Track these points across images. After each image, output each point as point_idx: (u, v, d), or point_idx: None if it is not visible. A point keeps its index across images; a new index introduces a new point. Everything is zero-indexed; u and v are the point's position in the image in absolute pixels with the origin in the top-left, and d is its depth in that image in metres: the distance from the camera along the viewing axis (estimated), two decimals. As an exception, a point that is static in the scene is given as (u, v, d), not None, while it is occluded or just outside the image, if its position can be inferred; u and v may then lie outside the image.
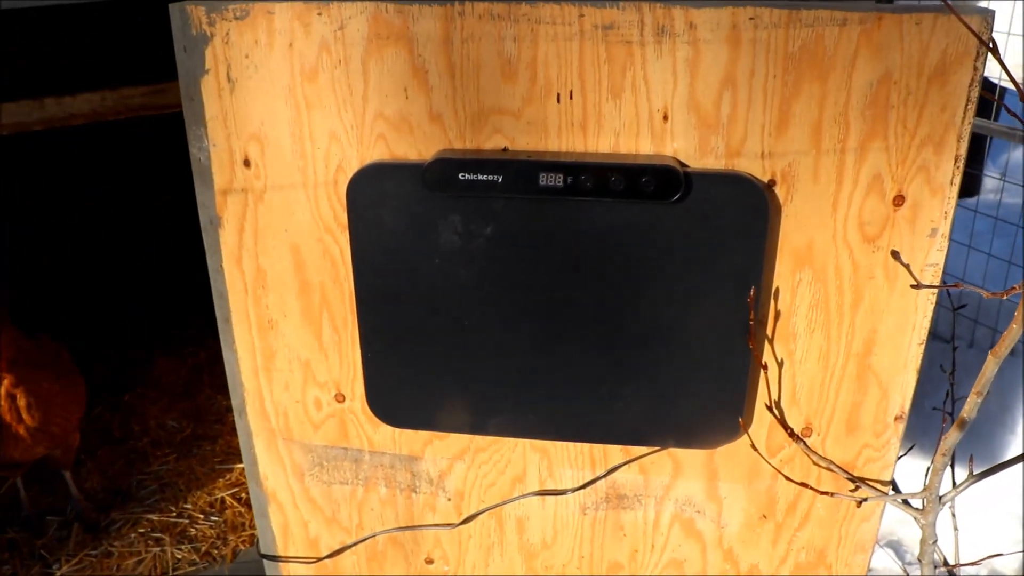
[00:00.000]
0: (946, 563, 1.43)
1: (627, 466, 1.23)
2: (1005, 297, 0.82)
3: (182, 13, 1.08)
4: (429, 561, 1.37)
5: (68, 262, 2.71)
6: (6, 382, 1.74)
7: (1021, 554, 2.20)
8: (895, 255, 0.97)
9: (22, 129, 1.80)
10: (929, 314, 1.08)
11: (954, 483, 1.54)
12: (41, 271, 2.64)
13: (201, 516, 1.98)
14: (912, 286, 0.99)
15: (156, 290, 2.64)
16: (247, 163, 1.14)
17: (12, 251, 2.57)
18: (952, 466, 1.40)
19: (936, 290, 1.06)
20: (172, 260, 1.57)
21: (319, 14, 1.04)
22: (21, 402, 1.75)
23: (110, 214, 2.77)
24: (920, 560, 1.28)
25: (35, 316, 2.16)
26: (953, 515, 1.69)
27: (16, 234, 2.67)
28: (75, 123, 1.83)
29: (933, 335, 2.97)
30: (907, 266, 0.98)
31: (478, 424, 1.19)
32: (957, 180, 1.01)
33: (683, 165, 1.02)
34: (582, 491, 1.26)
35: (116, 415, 2.33)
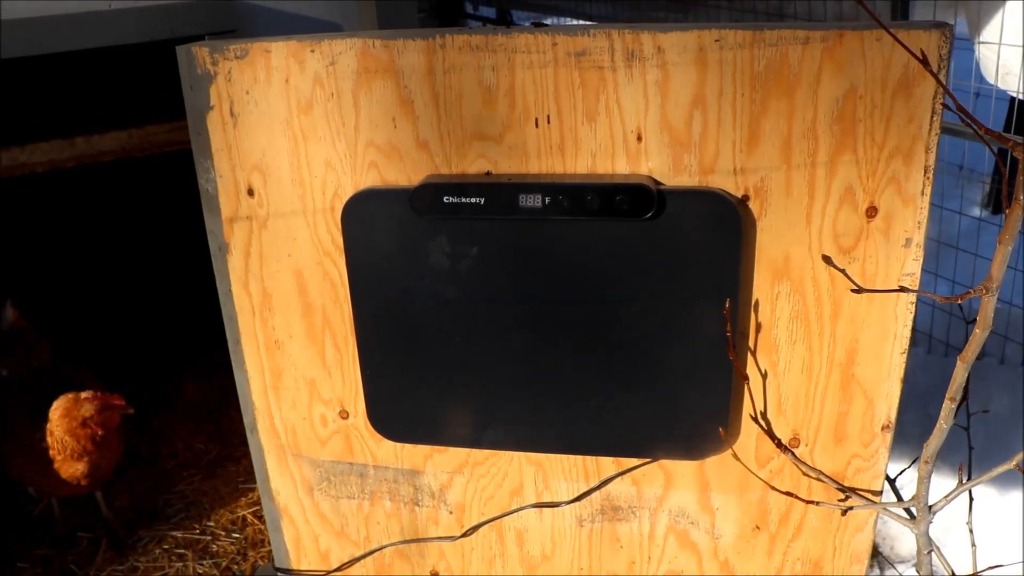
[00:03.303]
0: (953, 575, 1.43)
1: (620, 478, 1.26)
2: (959, 302, 0.84)
3: (188, 54, 1.16)
4: (435, 573, 1.40)
5: (101, 290, 2.82)
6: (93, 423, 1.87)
7: (1021, 565, 2.16)
8: (827, 260, 0.99)
9: (55, 166, 1.91)
10: (909, 323, 1.09)
11: (970, 499, 1.53)
12: (74, 298, 2.75)
13: (223, 533, 2.05)
14: (853, 290, 1.01)
15: (184, 317, 2.73)
16: (251, 192, 1.20)
17: (44, 278, 2.69)
18: (970, 477, 1.39)
19: (914, 300, 1.08)
20: (199, 288, 1.65)
21: (312, 51, 1.10)
22: (95, 443, 1.89)
23: (141, 242, 2.89)
24: (918, 571, 1.29)
25: (66, 342, 2.25)
26: (971, 531, 1.68)
27: (49, 261, 2.79)
28: (105, 159, 1.94)
29: (958, 351, 2.94)
30: (843, 271, 1.00)
31: (473, 437, 1.23)
32: (928, 190, 1.03)
33: (657, 183, 1.06)
34: (578, 503, 1.29)
35: (145, 438, 2.42)
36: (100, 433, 1.87)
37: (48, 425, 1.86)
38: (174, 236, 2.53)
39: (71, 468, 1.88)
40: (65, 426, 1.85)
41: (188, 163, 1.23)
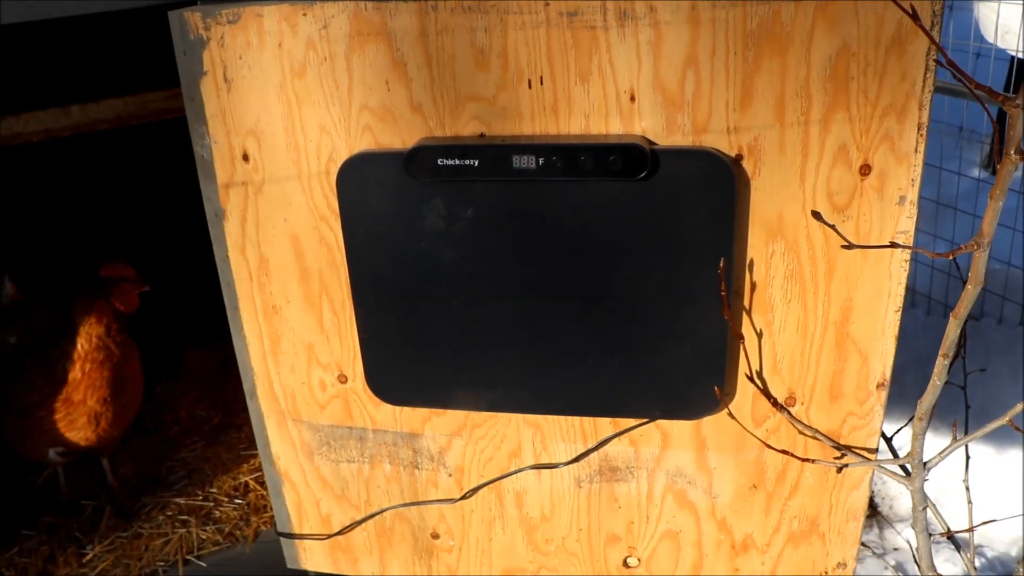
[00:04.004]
0: (949, 531, 1.44)
1: (618, 439, 1.27)
2: (950, 258, 0.84)
3: (180, 19, 1.15)
4: (435, 536, 1.42)
5: (99, 260, 2.82)
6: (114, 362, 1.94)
7: (1021, 520, 2.18)
8: (816, 215, 1.00)
9: (51, 135, 1.91)
10: (903, 281, 1.10)
11: (967, 457, 1.54)
12: (72, 269, 2.75)
13: (226, 499, 2.08)
14: (843, 247, 1.01)
15: (188, 285, 2.74)
16: (246, 157, 1.20)
17: (42, 249, 2.69)
18: (966, 434, 1.40)
19: (908, 258, 1.08)
20: (198, 255, 1.66)
21: (304, 15, 1.10)
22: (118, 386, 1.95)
23: (139, 210, 2.88)
24: (913, 527, 1.30)
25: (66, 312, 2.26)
26: (967, 488, 1.70)
27: (46, 232, 2.78)
28: (101, 128, 1.94)
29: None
30: (832, 226, 1.00)
31: (471, 400, 1.25)
32: (922, 148, 1.03)
33: (651, 143, 1.06)
34: (576, 464, 1.30)
35: (148, 406, 2.44)
36: (124, 311, 1.95)
37: (79, 326, 1.91)
38: (172, 204, 2.53)
39: (96, 383, 1.91)
40: (91, 312, 1.91)
41: (185, 130, 1.22)
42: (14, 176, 2.55)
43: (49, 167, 2.66)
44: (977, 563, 2.26)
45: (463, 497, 1.36)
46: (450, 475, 1.36)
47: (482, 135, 1.11)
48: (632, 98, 1.05)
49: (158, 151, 2.54)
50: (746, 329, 1.16)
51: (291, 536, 1.49)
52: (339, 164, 1.15)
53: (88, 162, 2.71)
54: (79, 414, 1.91)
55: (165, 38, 1.18)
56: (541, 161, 1.05)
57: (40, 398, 1.92)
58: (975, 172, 3.43)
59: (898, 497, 2.60)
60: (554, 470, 1.31)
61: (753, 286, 1.13)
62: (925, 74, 0.99)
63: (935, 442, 2.25)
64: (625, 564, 1.37)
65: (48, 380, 1.92)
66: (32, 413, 1.93)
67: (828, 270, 1.10)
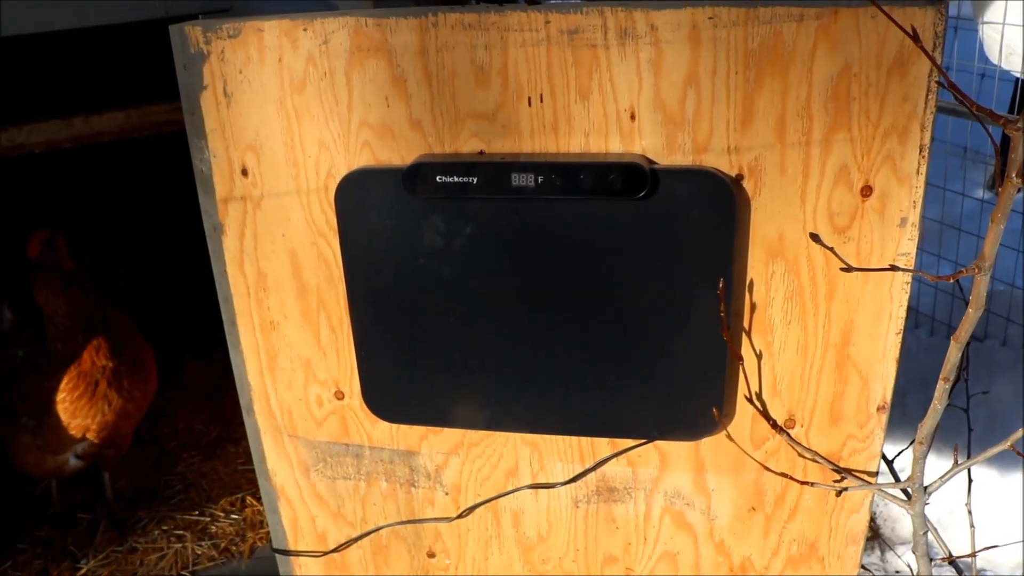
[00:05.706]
0: (951, 555, 1.43)
1: (616, 459, 1.26)
2: (951, 281, 0.83)
3: (181, 33, 1.15)
4: (431, 555, 1.41)
5: (98, 271, 2.83)
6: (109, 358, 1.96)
7: (1021, 546, 2.16)
8: (814, 237, 0.99)
9: (53, 147, 1.91)
10: (904, 303, 1.09)
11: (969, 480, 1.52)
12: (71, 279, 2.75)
13: (222, 514, 2.07)
14: (842, 269, 1.01)
15: (187, 296, 2.74)
16: (245, 172, 1.20)
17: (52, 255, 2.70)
18: (969, 458, 1.38)
19: (909, 280, 1.07)
20: (198, 268, 1.66)
21: (304, 30, 1.10)
22: (120, 372, 1.97)
23: (140, 222, 2.89)
24: (915, 552, 1.29)
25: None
26: (969, 512, 1.68)
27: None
28: (103, 140, 1.93)
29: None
30: (831, 248, 1.00)
31: (467, 418, 1.24)
32: (923, 169, 1.02)
33: (651, 162, 1.05)
34: (573, 485, 1.29)
35: (145, 417, 2.43)
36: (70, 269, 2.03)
37: (53, 304, 1.97)
38: (172, 216, 2.53)
39: (100, 345, 1.93)
40: (53, 286, 1.98)
41: (186, 144, 1.22)
42: (15, 186, 2.55)
43: (50, 178, 2.67)
44: (980, 587, 2.24)
45: (459, 516, 1.35)
46: (447, 493, 1.35)
47: (481, 152, 1.11)
48: (632, 117, 1.05)
49: (160, 164, 2.55)
50: (745, 350, 1.15)
51: (286, 553, 1.47)
52: (338, 180, 1.15)
53: (89, 173, 2.72)
54: (97, 378, 1.92)
55: (166, 52, 1.18)
56: (540, 179, 1.05)
57: (56, 382, 1.92)
58: (979, 193, 3.42)
59: (900, 519, 2.58)
60: (551, 490, 1.30)
61: (753, 307, 1.12)
62: (927, 95, 0.98)
63: (937, 465, 2.23)
64: (622, 586, 1.35)
65: (52, 362, 1.93)
66: (54, 402, 1.92)
67: (829, 291, 1.10)
